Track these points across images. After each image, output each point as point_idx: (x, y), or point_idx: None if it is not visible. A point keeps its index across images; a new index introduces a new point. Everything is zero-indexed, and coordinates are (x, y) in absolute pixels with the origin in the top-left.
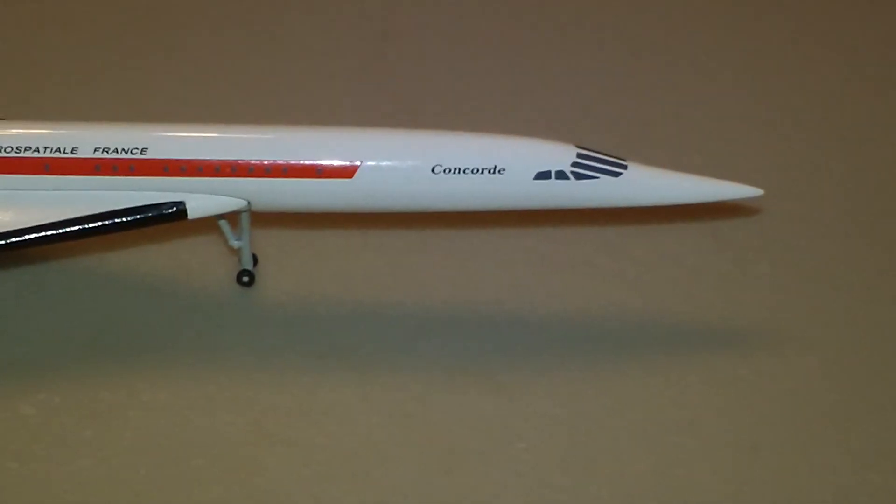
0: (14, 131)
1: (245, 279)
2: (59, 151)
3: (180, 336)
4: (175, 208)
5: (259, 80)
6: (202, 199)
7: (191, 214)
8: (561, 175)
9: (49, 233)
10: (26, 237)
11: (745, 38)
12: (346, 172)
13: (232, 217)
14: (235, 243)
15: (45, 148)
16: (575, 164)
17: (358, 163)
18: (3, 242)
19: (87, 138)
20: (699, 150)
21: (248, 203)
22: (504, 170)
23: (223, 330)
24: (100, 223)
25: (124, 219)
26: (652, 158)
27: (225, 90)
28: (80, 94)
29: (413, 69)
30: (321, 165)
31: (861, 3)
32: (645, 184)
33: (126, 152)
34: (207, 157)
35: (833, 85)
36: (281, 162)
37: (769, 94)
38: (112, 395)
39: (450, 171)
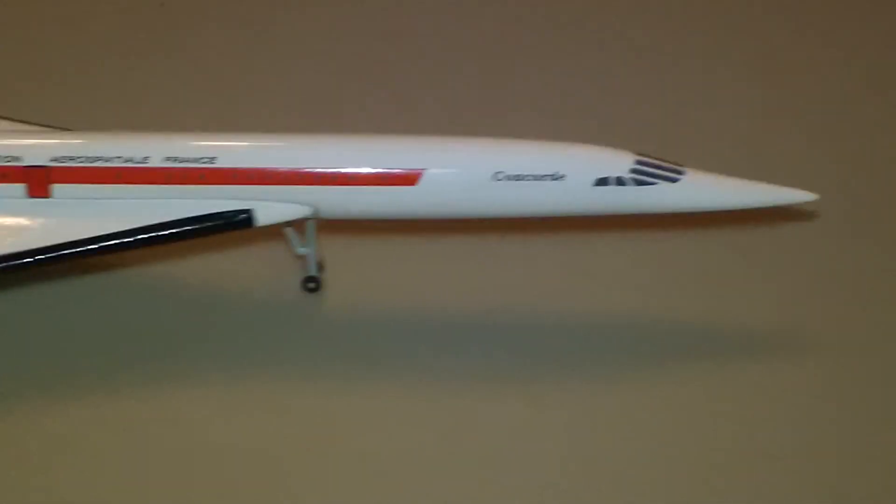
0: (85, 141)
1: (311, 285)
2: (131, 161)
3: (246, 341)
4: (243, 216)
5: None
6: (269, 206)
7: (258, 222)
8: (620, 181)
9: (121, 241)
10: (99, 245)
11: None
12: (410, 180)
13: (298, 224)
14: (301, 250)
15: (117, 157)
16: (633, 171)
17: (421, 170)
18: (77, 250)
19: (157, 148)
20: (741, 154)
21: (314, 210)
22: (564, 176)
23: (289, 336)
24: (170, 231)
25: (194, 227)
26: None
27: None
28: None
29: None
30: (385, 173)
31: None
32: (702, 189)
33: (196, 161)
34: (275, 166)
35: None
36: (346, 170)
37: (801, 99)
38: (184, 403)
39: (511, 177)
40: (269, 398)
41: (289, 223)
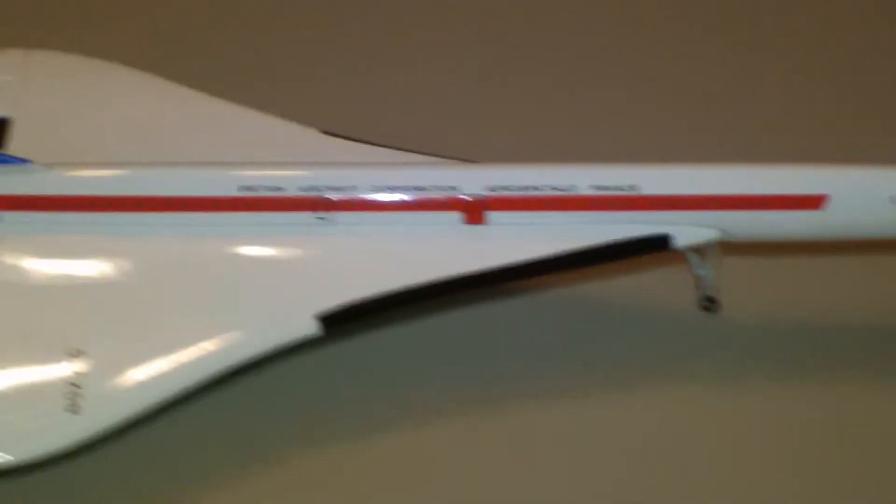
0: (517, 172)
1: (709, 305)
2: (559, 189)
3: (650, 357)
4: (661, 240)
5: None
6: (685, 230)
7: (673, 245)
8: None
9: (551, 264)
10: (531, 269)
11: None
12: (815, 203)
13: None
14: (701, 271)
15: (547, 186)
16: None
17: (825, 194)
18: (511, 274)
19: (583, 176)
20: None
21: (723, 233)
22: None
23: (690, 353)
24: (596, 255)
25: (617, 250)
26: None
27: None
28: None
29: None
30: (793, 197)
31: None
32: None
33: (619, 189)
34: (691, 193)
35: None
36: (756, 195)
37: None
38: (597, 410)
39: None
40: (674, 407)
41: (699, 246)
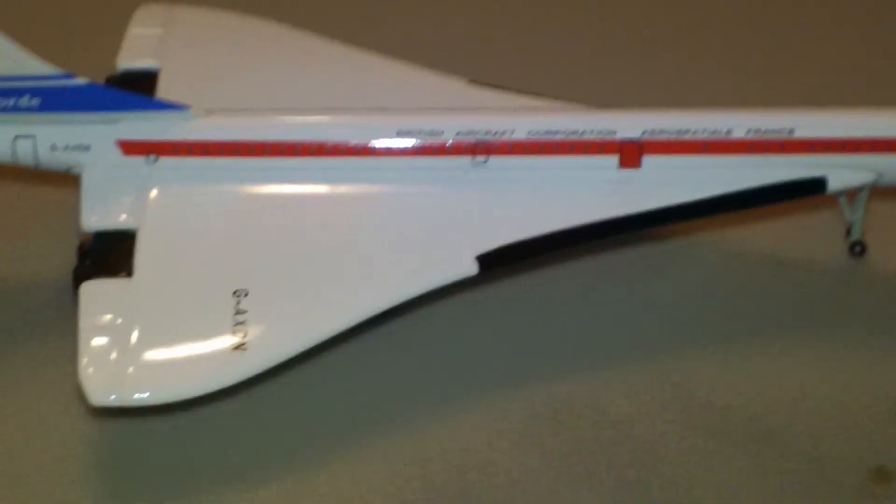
0: (673, 116)
1: (857, 249)
2: (716, 133)
3: (798, 303)
4: (817, 183)
5: None
6: (840, 174)
7: (829, 189)
8: None
9: (706, 208)
10: (685, 212)
11: None
12: None
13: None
14: (851, 215)
15: (703, 130)
16: None
17: None
18: (665, 218)
19: (741, 121)
20: None
21: (877, 177)
22: None
23: (837, 299)
24: (751, 198)
25: (772, 194)
26: None
27: None
28: None
29: None
30: None
31: None
32: None
33: (776, 133)
34: (847, 136)
35: None
36: None
37: None
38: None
39: None
40: (824, 352)
41: (851, 190)
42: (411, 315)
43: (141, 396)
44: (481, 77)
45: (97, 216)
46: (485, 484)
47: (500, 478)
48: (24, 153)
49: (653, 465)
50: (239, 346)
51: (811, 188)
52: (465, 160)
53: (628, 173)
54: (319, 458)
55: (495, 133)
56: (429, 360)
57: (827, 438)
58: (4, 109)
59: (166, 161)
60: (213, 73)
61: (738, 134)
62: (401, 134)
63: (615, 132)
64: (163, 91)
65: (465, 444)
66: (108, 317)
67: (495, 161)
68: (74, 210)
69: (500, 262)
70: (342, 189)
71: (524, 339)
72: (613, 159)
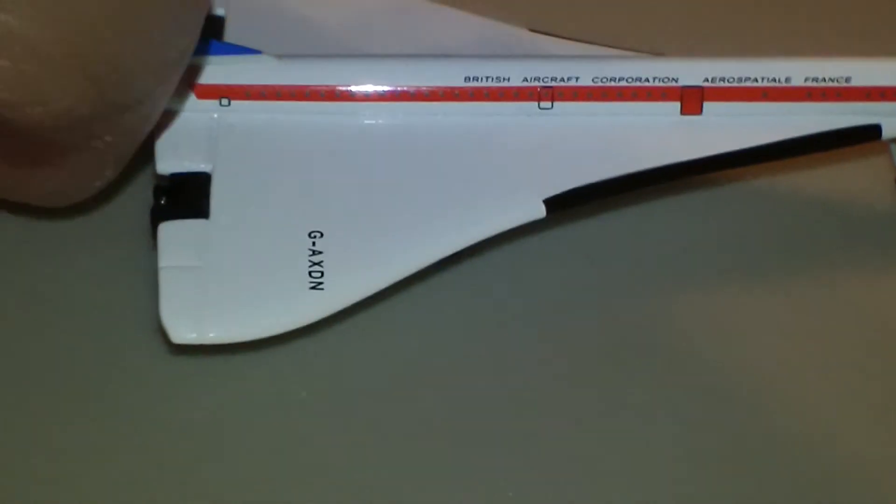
0: (734, 63)
1: None
2: (775, 81)
3: (840, 252)
4: (872, 130)
5: None
6: (894, 121)
7: (884, 135)
8: None
9: (764, 153)
10: (744, 157)
11: None
12: None
13: None
14: None
15: (763, 78)
16: None
17: None
18: (724, 162)
19: (799, 69)
20: None
21: None
22: None
23: (886, 244)
24: (808, 144)
25: (830, 140)
26: None
27: None
28: None
29: None
30: None
31: None
32: None
33: (835, 81)
34: None
35: None
36: None
37: None
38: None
39: None
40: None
41: None
42: (476, 258)
43: (219, 334)
44: (540, 26)
45: (172, 159)
46: None
47: None
48: None
49: None
50: (315, 287)
51: (866, 135)
52: (531, 106)
53: (690, 119)
54: (386, 396)
55: (560, 79)
56: (496, 301)
57: None
58: None
59: (239, 105)
60: (280, 18)
61: (797, 82)
62: (468, 80)
63: (677, 79)
64: (231, 36)
65: None
66: (187, 257)
67: (560, 107)
68: (150, 152)
69: (565, 206)
70: (411, 133)
71: (569, 284)
72: (675, 106)
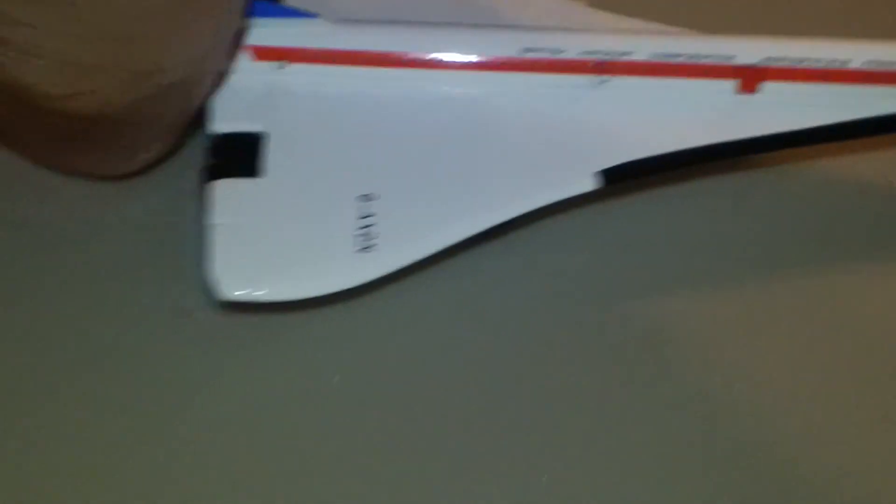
0: (794, 43)
1: None
2: (833, 63)
3: (888, 238)
4: None
5: None
6: None
7: None
8: None
9: (821, 134)
10: (801, 137)
11: None
12: None
13: None
14: None
15: (823, 59)
16: None
17: None
18: (781, 142)
19: (857, 52)
20: None
21: None
22: None
23: None
24: (865, 127)
25: (885, 123)
26: None
27: None
28: None
29: None
30: None
31: None
32: None
33: (891, 64)
34: None
35: None
36: None
37: None
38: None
39: None
40: None
41: None
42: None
43: (268, 293)
44: (597, 3)
45: (227, 118)
46: None
47: None
48: None
49: None
50: (365, 248)
51: None
52: (586, 79)
53: (745, 98)
54: (432, 362)
55: (617, 53)
56: (546, 271)
57: None
58: None
59: (295, 67)
60: None
61: (855, 64)
62: (524, 51)
63: (734, 57)
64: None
65: None
66: (238, 215)
67: (615, 81)
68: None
69: (617, 179)
70: (466, 102)
71: (606, 266)
72: (731, 84)
